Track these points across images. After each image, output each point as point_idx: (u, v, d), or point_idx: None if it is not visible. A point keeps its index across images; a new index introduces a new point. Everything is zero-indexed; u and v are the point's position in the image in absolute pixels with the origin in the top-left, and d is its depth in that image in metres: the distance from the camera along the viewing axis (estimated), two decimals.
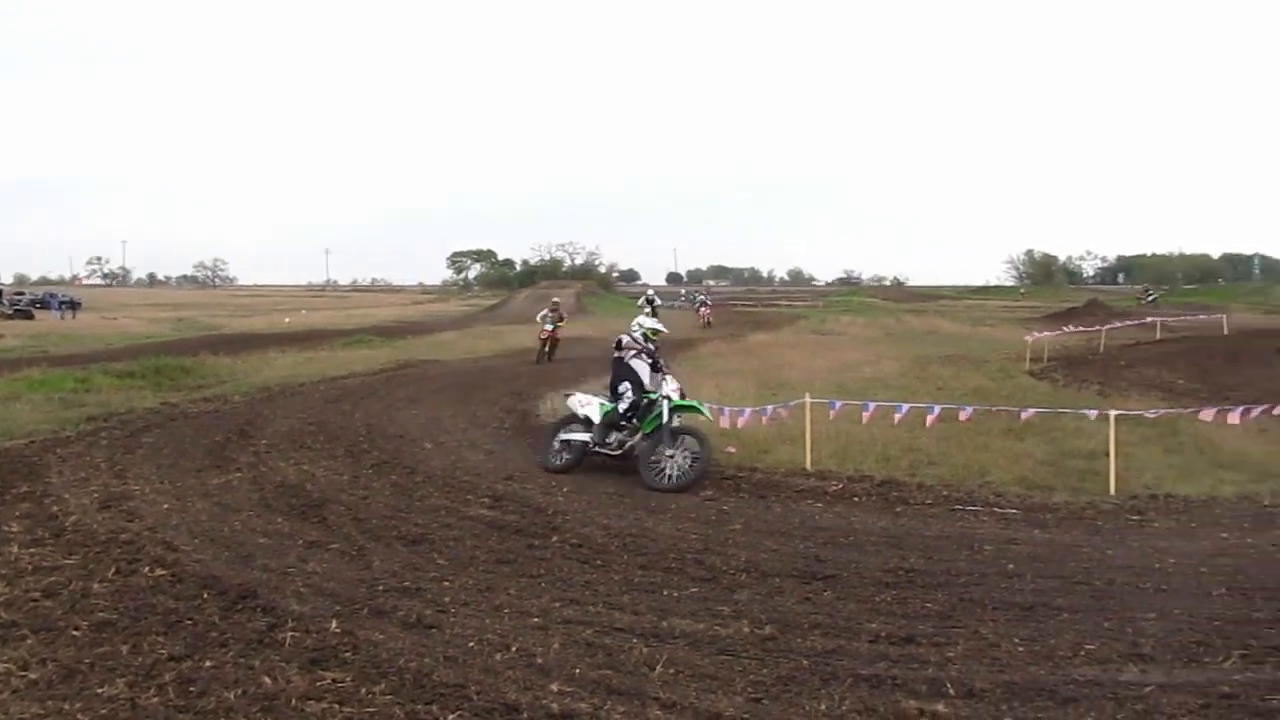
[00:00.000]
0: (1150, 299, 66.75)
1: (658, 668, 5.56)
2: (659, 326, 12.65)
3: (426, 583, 7.18)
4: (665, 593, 7.11)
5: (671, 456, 11.02)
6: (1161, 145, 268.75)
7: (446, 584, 7.18)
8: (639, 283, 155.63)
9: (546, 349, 27.96)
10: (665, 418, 11.37)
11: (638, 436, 11.67)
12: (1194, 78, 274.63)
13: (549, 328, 28.21)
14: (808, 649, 5.94)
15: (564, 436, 12.08)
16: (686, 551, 8.22)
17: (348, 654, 5.70)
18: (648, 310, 35.22)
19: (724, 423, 12.93)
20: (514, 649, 5.82)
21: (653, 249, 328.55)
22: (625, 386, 11.89)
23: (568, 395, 12.86)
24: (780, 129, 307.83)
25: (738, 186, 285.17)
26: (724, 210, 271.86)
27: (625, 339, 12.33)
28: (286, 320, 55.65)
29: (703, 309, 51.68)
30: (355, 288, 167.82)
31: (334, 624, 6.17)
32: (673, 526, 9.14)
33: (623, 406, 11.78)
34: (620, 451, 11.73)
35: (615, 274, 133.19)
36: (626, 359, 12.12)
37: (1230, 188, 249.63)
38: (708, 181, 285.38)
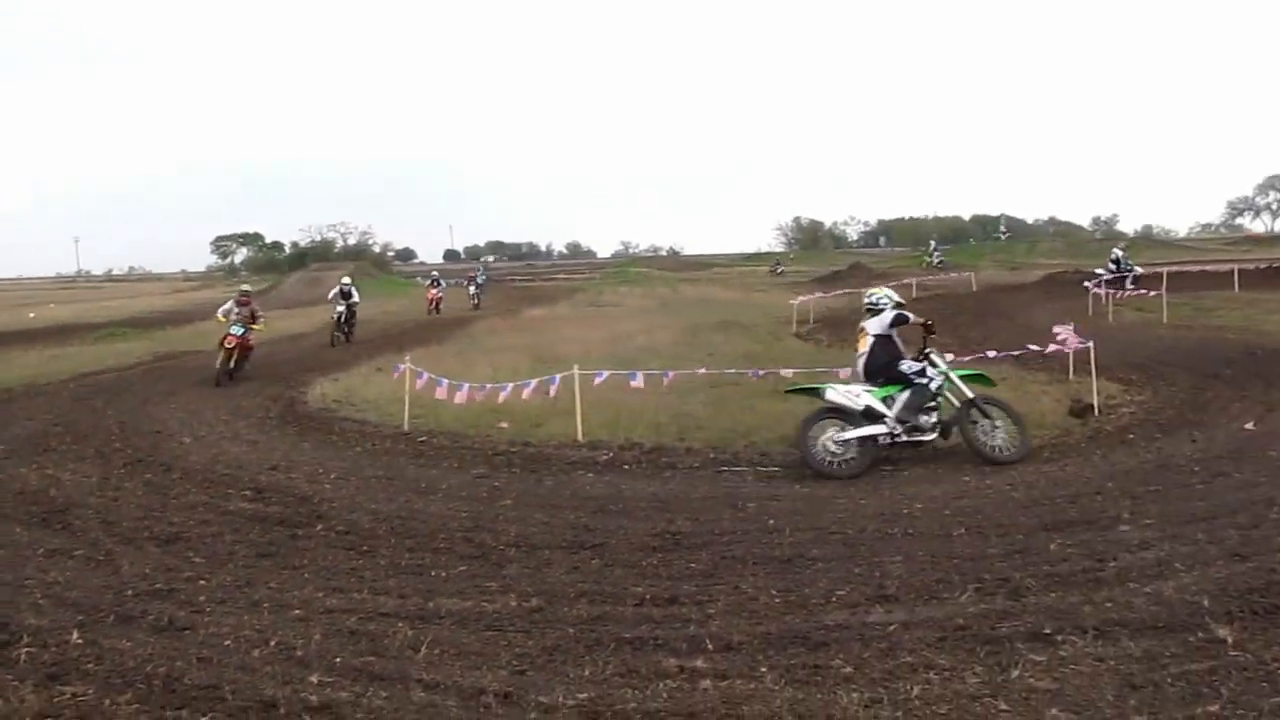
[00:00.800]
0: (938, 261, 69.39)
1: (422, 649, 5.51)
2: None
3: (180, 583, 6.86)
4: (433, 573, 7.05)
5: (998, 427, 10.44)
6: (915, 112, 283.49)
7: (202, 583, 6.88)
8: (415, 261, 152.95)
9: (231, 363, 19.43)
10: (965, 390, 10.73)
11: (935, 415, 10.79)
12: (940, 48, 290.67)
13: (237, 331, 19.58)
14: (574, 618, 6.00)
15: (846, 436, 10.27)
16: (456, 530, 8.17)
17: (90, 665, 5.37)
18: (342, 306, 27.58)
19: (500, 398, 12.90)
20: (273, 643, 5.64)
21: (429, 227, 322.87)
22: (911, 365, 10.90)
23: (826, 389, 10.92)
24: (550, 100, 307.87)
25: (514, 160, 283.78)
26: (501, 185, 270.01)
27: (901, 313, 11.09)
28: (31, 315, 51.86)
29: (433, 289, 43.14)
30: (110, 277, 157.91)
31: (75, 635, 5.80)
32: (443, 506, 9.07)
33: (935, 384, 10.75)
34: (940, 433, 10.73)
35: (390, 254, 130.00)
36: (894, 336, 11.13)
37: (978, 153, 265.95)
38: (484, 156, 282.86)
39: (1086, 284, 31.90)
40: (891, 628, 5.57)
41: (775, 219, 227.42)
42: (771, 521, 8.14)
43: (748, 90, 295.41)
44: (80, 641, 5.71)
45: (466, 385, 13.04)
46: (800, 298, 32.43)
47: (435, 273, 46.14)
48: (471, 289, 47.57)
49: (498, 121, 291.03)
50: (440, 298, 42.19)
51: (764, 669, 5.10)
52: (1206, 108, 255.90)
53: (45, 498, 9.57)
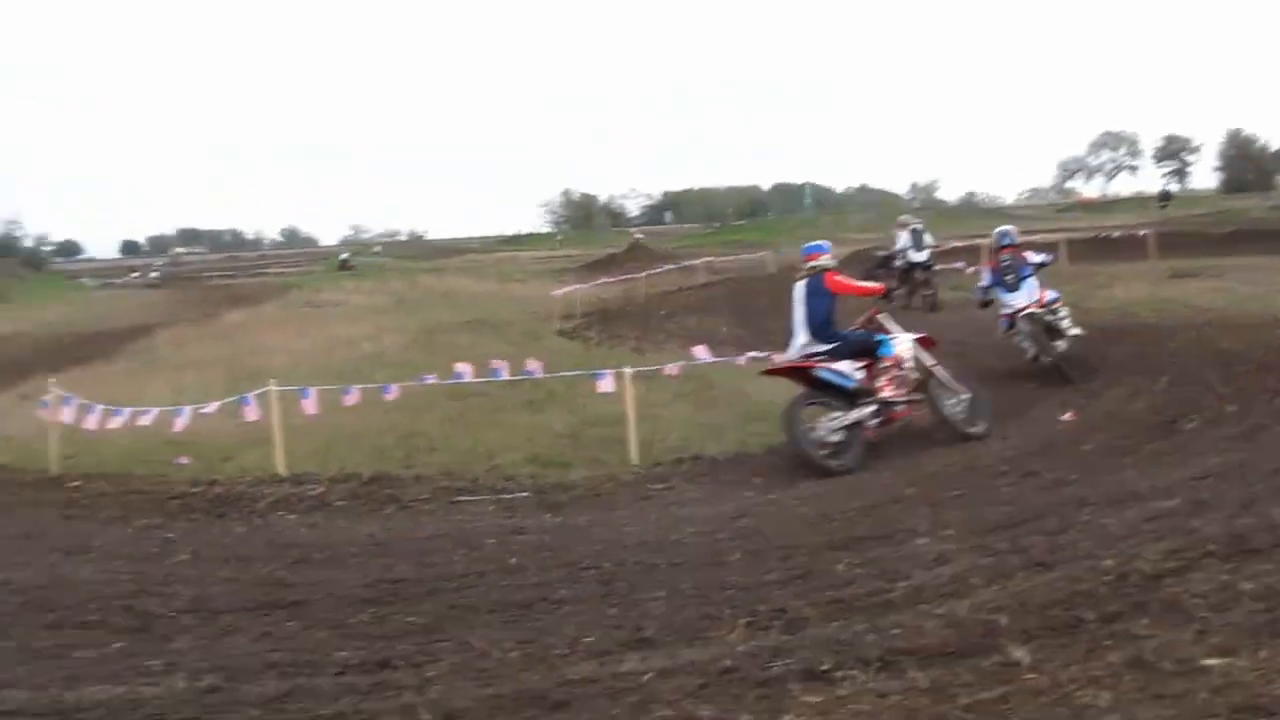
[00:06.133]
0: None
1: None
2: None
3: None
4: (78, 654, 6.74)
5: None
6: (702, 68, 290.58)
7: None
8: (82, 257, 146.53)
9: None
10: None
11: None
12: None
13: None
14: (257, 696, 5.85)
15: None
16: (113, 598, 7.83)
17: None
18: None
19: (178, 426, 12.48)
20: None
21: (101, 216, 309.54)
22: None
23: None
24: (253, 49, 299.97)
25: (208, 131, 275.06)
26: (196, 162, 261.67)
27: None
28: None
29: None
30: None
31: None
32: (98, 569, 8.70)
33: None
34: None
35: (48, 248, 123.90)
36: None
37: (782, 115, 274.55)
38: (166, 128, 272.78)
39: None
40: (646, 677, 5.66)
41: (542, 195, 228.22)
42: (514, 560, 8.17)
43: (506, 49, 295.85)
44: None
45: (127, 411, 12.54)
46: (565, 288, 32.67)
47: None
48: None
49: (183, 90, 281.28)
50: None
51: None
52: (1034, 59, 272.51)
53: None
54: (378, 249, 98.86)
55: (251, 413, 12.37)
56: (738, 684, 5.46)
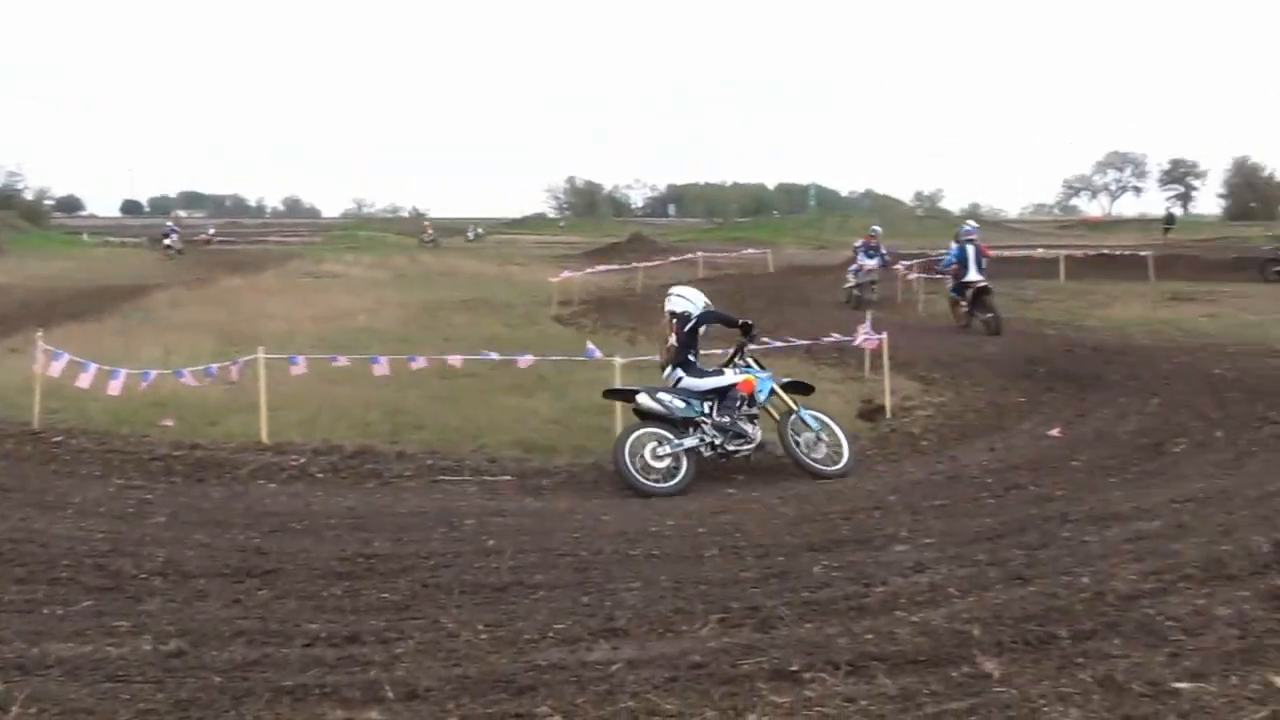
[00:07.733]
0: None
1: (13, 709, 5.22)
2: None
3: None
4: (45, 611, 6.71)
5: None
6: (712, 67, 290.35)
7: None
8: (83, 214, 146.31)
9: None
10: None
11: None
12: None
13: None
14: (223, 663, 5.81)
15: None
16: (86, 556, 7.81)
17: None
18: None
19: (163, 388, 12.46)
20: None
21: (103, 171, 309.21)
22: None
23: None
24: (268, 28, 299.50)
25: (217, 99, 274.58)
26: (200, 126, 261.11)
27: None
28: None
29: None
30: None
31: None
32: (73, 525, 8.70)
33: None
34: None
35: (49, 201, 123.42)
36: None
37: (790, 116, 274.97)
38: (174, 85, 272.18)
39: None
40: (615, 667, 5.63)
41: (547, 181, 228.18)
42: (491, 542, 8.15)
43: (514, 39, 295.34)
44: None
45: (123, 373, 12.47)
46: (564, 273, 32.65)
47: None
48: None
49: (196, 46, 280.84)
50: None
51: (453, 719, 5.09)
52: (1046, 76, 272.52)
53: None
54: (480, 230, 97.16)
55: (235, 374, 12.34)
56: (705, 679, 5.42)
